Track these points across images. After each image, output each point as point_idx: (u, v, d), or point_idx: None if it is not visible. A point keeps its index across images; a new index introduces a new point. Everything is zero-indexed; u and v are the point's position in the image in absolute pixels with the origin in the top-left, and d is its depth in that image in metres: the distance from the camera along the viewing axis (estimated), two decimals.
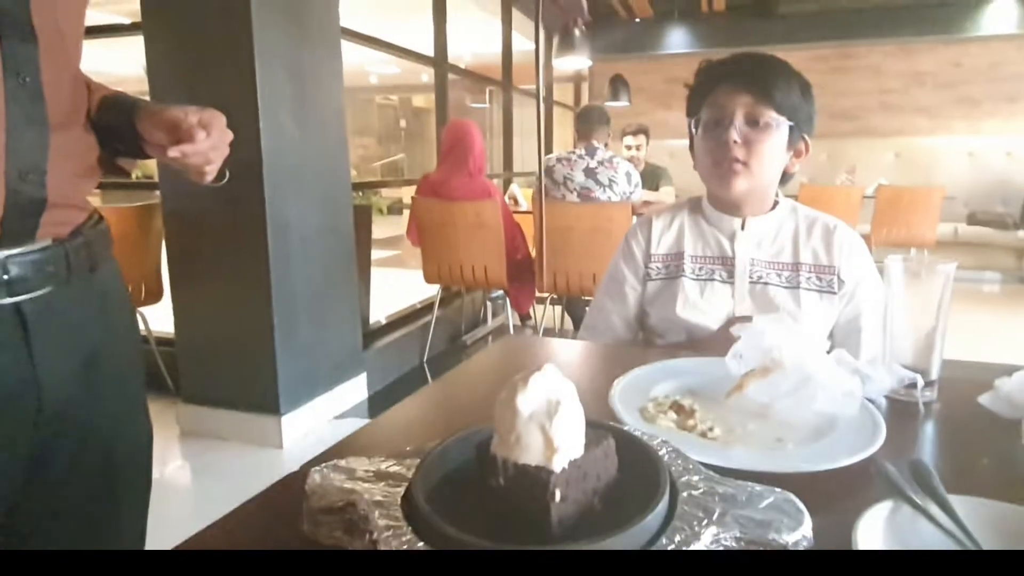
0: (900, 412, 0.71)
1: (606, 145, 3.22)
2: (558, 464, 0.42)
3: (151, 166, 2.57)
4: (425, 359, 3.32)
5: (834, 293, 1.06)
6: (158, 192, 2.42)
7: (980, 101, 5.83)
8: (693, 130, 1.10)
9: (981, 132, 5.81)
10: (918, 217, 4.16)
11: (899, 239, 4.15)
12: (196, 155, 0.70)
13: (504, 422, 0.45)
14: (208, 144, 0.70)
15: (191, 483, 2.18)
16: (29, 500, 0.69)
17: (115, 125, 0.73)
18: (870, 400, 0.69)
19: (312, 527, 0.47)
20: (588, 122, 3.17)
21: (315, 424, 2.45)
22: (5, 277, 0.61)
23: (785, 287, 1.07)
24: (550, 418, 0.44)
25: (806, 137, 1.09)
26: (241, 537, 0.50)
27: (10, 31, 0.60)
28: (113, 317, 0.76)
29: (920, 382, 0.70)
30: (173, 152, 0.68)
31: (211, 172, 0.75)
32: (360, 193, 3.77)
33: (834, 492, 0.54)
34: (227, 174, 0.78)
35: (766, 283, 1.07)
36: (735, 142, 1.03)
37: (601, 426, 0.48)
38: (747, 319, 0.88)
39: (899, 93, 6.00)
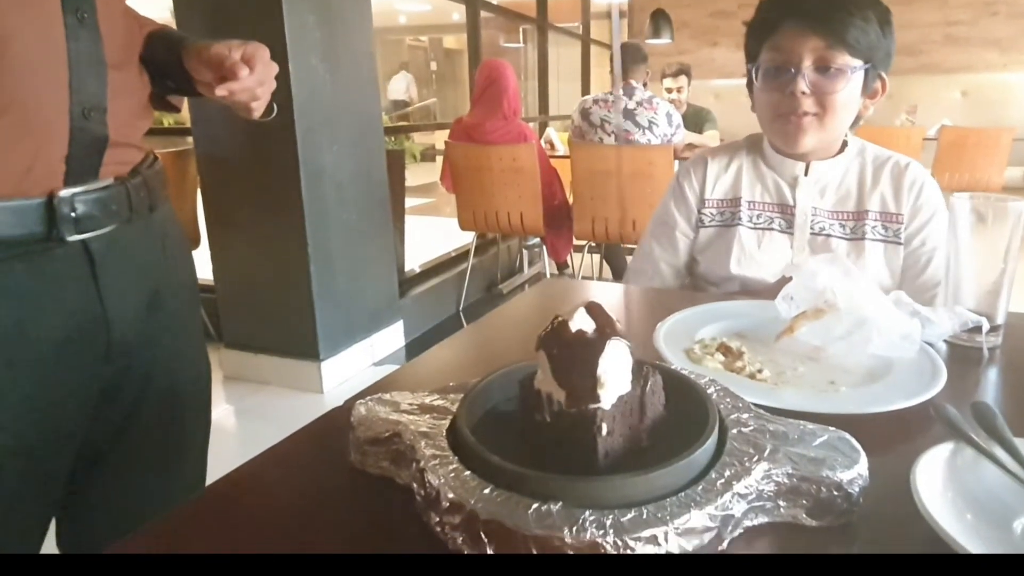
0: (960, 357, 0.69)
1: (645, 85, 3.11)
2: (605, 399, 0.42)
3: (183, 112, 2.59)
4: (461, 307, 3.36)
5: (900, 243, 1.01)
6: (190, 139, 2.45)
7: None
8: (753, 76, 1.02)
9: None
10: (984, 160, 3.93)
11: (963, 184, 3.94)
12: (242, 92, 0.70)
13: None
14: (253, 80, 0.69)
15: (236, 425, 2.28)
16: (98, 434, 0.73)
17: (163, 62, 0.74)
18: (928, 344, 0.66)
19: (359, 457, 0.49)
20: (623, 60, 3.05)
21: (354, 370, 2.52)
22: (73, 215, 0.63)
23: (848, 238, 1.01)
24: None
25: (883, 75, 1.00)
26: (288, 468, 0.52)
27: None
28: (172, 258, 0.79)
29: (986, 325, 0.67)
30: (220, 91, 0.68)
31: (258, 108, 0.74)
32: (392, 138, 3.75)
33: (890, 435, 0.52)
34: (275, 108, 0.78)
35: (828, 235, 1.01)
36: (803, 93, 0.94)
37: (648, 364, 0.47)
38: None
39: (967, 25, 5.58)
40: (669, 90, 3.92)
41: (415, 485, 0.43)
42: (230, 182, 2.37)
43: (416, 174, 6.59)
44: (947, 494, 0.42)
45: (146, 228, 0.73)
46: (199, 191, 2.51)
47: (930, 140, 4.03)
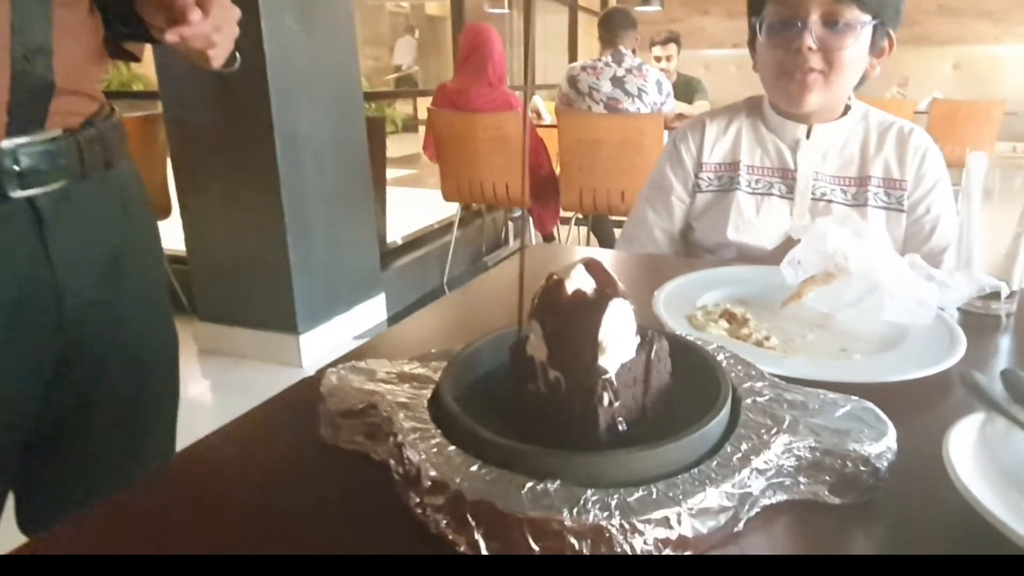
0: (974, 325, 0.66)
1: (634, 52, 3.03)
2: (607, 366, 0.38)
3: (152, 79, 2.47)
4: (445, 280, 3.31)
5: (903, 211, 0.98)
6: (160, 103, 2.34)
7: None
8: (757, 31, 0.97)
9: None
10: (975, 133, 3.92)
11: (953, 158, 3.90)
12: (195, 38, 0.63)
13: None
14: (208, 24, 0.62)
15: (212, 400, 2.23)
16: (56, 406, 0.69)
17: (115, 4, 0.69)
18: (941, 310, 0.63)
19: (331, 431, 0.44)
20: (611, 27, 2.97)
21: (335, 344, 2.47)
22: (16, 168, 0.58)
23: (850, 205, 0.99)
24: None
25: (891, 33, 0.96)
26: (254, 444, 0.47)
27: None
28: (133, 219, 0.74)
29: (1005, 290, 0.64)
30: (170, 36, 0.61)
31: (217, 56, 0.67)
32: (372, 105, 3.64)
33: (910, 405, 0.49)
34: (238, 58, 0.72)
35: (829, 200, 0.99)
36: (810, 49, 0.90)
37: (652, 329, 0.43)
38: None
39: None
40: (658, 59, 3.85)
41: (392, 462, 0.38)
42: (201, 148, 2.28)
43: (399, 145, 6.46)
44: (980, 467, 0.38)
45: (102, 186, 0.69)
46: (168, 158, 2.42)
47: (921, 113, 4.01)
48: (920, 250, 0.98)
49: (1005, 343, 0.64)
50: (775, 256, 0.94)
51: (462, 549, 0.34)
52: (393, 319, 2.80)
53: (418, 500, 0.36)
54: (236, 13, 0.67)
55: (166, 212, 2.58)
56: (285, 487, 0.42)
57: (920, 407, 0.49)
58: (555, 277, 0.41)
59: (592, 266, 0.42)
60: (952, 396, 0.52)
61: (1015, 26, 5.47)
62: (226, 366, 2.37)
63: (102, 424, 0.74)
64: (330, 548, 0.36)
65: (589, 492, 0.32)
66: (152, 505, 0.41)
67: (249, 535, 0.37)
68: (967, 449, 0.39)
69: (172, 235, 2.57)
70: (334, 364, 0.48)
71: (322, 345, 2.41)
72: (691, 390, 0.41)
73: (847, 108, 1.01)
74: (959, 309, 0.68)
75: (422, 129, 3.35)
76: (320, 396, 0.44)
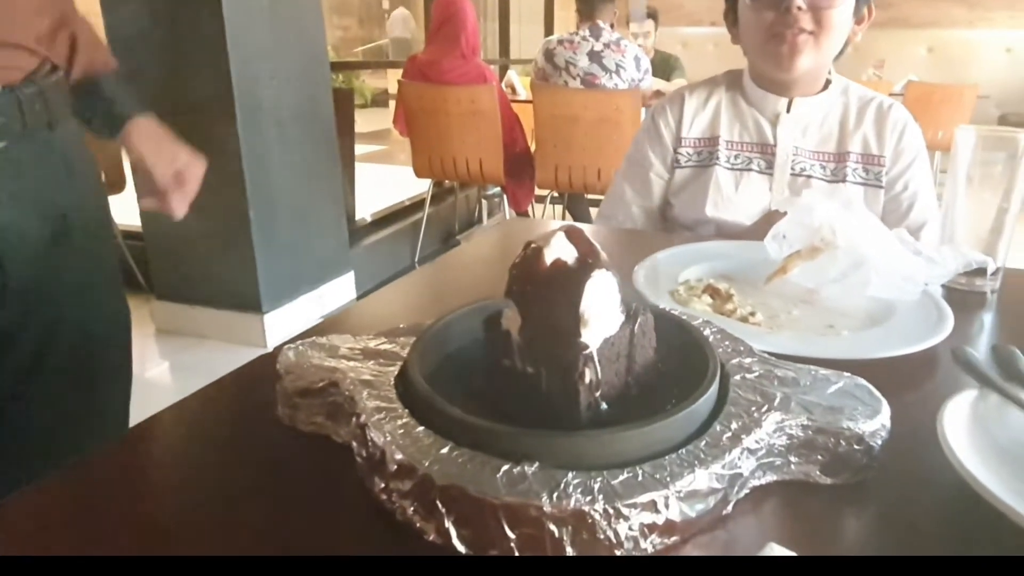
0: (958, 302, 0.65)
1: (612, 26, 2.99)
2: (589, 340, 0.35)
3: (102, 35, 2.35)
4: (416, 259, 3.26)
5: (881, 187, 0.98)
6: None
7: None
8: None
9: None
10: (948, 117, 3.99)
11: (926, 140, 4.00)
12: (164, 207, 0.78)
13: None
14: (179, 198, 0.78)
15: (171, 382, 2.16)
16: None
17: (93, 116, 0.76)
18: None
19: (289, 412, 0.41)
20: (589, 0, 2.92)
21: (301, 324, 2.41)
22: None
23: (829, 180, 0.98)
24: None
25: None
26: (206, 423, 0.44)
27: None
28: (79, 183, 0.71)
29: (991, 266, 0.64)
30: (144, 205, 0.79)
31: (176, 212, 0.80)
32: (339, 76, 3.54)
33: (898, 382, 0.48)
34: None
35: (809, 175, 0.98)
36: (799, 8, 0.89)
37: (636, 303, 0.41)
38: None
39: None
40: (635, 35, 3.81)
41: (355, 444, 0.36)
42: (156, 116, 2.18)
43: (368, 119, 6.33)
44: (975, 444, 0.37)
45: (45, 147, 0.65)
46: None
47: (896, 95, 4.06)
48: (897, 227, 0.99)
49: (989, 320, 0.64)
50: (754, 232, 0.94)
51: (431, 538, 0.31)
52: (363, 298, 2.75)
53: (383, 485, 0.33)
54: (202, 170, 0.81)
55: (120, 187, 2.48)
56: (239, 470, 0.39)
57: (908, 384, 0.48)
58: (533, 245, 0.38)
59: (573, 234, 0.39)
60: (939, 373, 0.51)
61: (988, 11, 5.56)
62: (184, 346, 2.30)
63: (50, 396, 0.70)
64: (286, 538, 0.33)
65: (570, 475, 0.30)
66: (98, 484, 0.38)
67: (200, 522, 0.34)
68: (961, 426, 0.38)
69: (127, 210, 2.48)
70: (293, 341, 0.45)
71: (288, 325, 2.36)
72: (677, 367, 0.39)
73: (827, 83, 1.00)
74: (942, 286, 0.68)
75: (392, 104, 3.27)
76: (277, 374, 0.41)
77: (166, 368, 2.23)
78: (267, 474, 0.38)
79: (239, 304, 2.28)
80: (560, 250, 0.38)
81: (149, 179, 0.77)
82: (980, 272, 0.67)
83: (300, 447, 0.40)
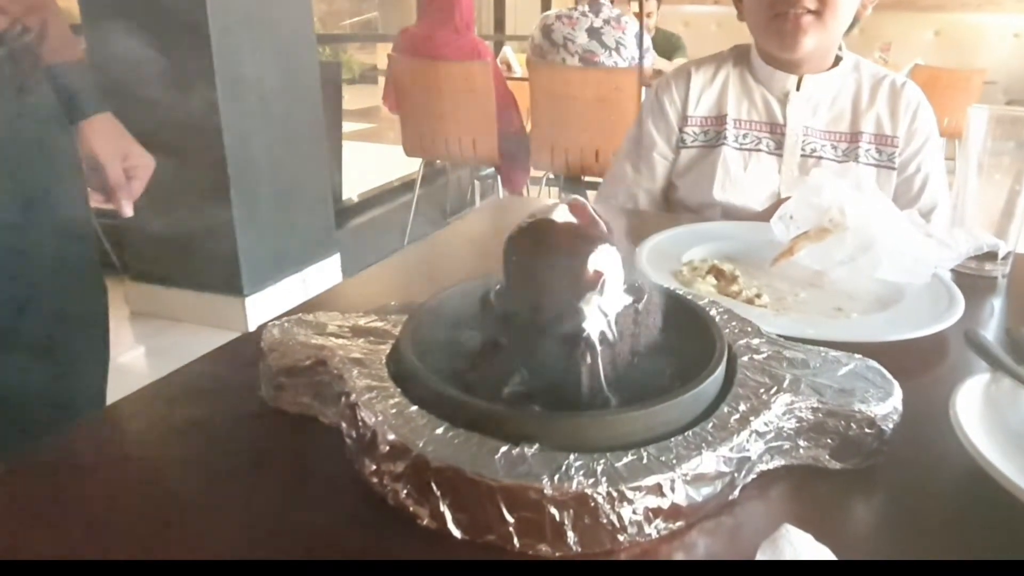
0: (968, 286, 0.65)
1: (613, 2, 2.97)
2: (591, 318, 0.35)
3: (74, 12, 2.30)
4: (406, 241, 3.24)
5: (894, 168, 0.98)
6: (83, 41, 2.18)
7: None
8: None
9: None
10: (954, 102, 3.99)
11: None
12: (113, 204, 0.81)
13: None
14: (125, 194, 0.80)
15: (145, 367, 2.14)
16: None
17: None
18: None
19: (273, 392, 0.41)
20: None
21: (285, 307, 2.38)
22: None
23: (840, 161, 0.97)
24: None
25: None
26: (186, 402, 0.43)
27: None
28: (53, 154, 0.70)
29: (1003, 249, 0.64)
30: (95, 202, 0.79)
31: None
32: (326, 49, 3.49)
33: (909, 365, 0.47)
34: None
35: (819, 157, 0.97)
36: None
37: (640, 280, 0.40)
38: None
39: None
40: (636, 14, 3.78)
41: (344, 425, 0.35)
42: (131, 89, 2.14)
43: (356, 96, 6.26)
44: (987, 428, 0.37)
45: (17, 116, 0.64)
46: None
47: None
48: (908, 210, 0.99)
49: (999, 304, 0.64)
50: (763, 219, 0.93)
51: (425, 522, 0.31)
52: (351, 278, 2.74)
53: (374, 468, 0.32)
54: (150, 170, 0.84)
55: None
56: (222, 452, 0.38)
57: (919, 368, 0.48)
58: (534, 218, 0.37)
59: (576, 207, 0.38)
60: (950, 357, 0.51)
61: None
62: (161, 329, 2.27)
63: (22, 374, 0.69)
64: (272, 524, 0.33)
65: (571, 457, 0.30)
66: (73, 465, 0.37)
67: (182, 504, 0.34)
68: (974, 410, 0.38)
69: None
70: (278, 318, 0.44)
71: (271, 309, 2.34)
72: (683, 346, 0.39)
73: (838, 59, 0.99)
74: (951, 271, 0.68)
75: (382, 80, 3.23)
76: (261, 352, 0.40)
77: (141, 353, 2.20)
78: (250, 456, 0.38)
79: (219, 286, 2.26)
80: (562, 223, 0.37)
81: (101, 176, 0.78)
82: (991, 256, 0.67)
83: (285, 428, 0.39)
